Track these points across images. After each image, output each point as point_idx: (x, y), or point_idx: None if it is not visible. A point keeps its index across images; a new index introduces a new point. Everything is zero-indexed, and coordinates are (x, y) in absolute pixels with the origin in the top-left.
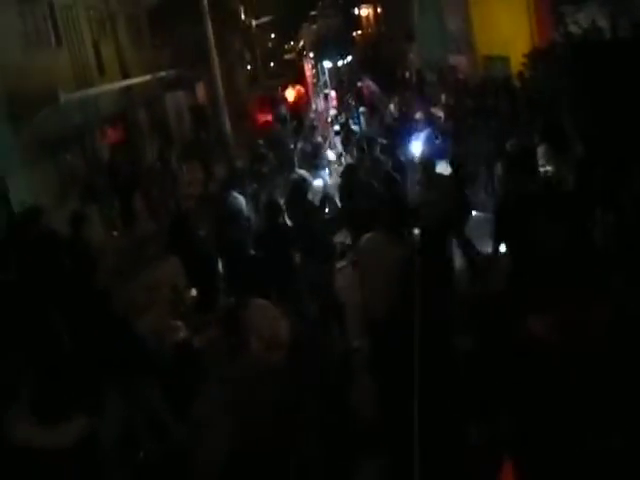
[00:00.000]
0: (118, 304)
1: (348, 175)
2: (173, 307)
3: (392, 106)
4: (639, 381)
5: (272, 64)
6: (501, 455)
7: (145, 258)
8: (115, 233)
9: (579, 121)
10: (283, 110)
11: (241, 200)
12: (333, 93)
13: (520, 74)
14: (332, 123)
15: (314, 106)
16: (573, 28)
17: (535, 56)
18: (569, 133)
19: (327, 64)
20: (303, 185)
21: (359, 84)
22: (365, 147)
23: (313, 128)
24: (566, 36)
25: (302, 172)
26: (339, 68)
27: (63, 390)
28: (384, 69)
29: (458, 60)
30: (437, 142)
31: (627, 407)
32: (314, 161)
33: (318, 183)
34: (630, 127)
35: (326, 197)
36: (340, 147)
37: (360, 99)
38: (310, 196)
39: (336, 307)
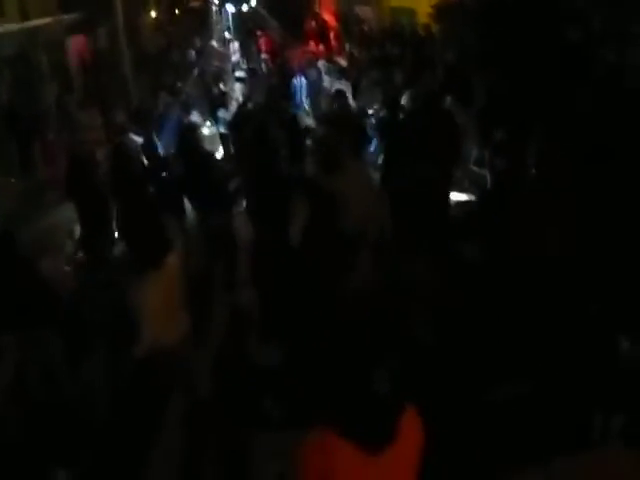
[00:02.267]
0: (20, 247)
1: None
2: (67, 253)
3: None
4: (548, 327)
5: (177, 11)
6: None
7: (42, 204)
8: (12, 180)
9: (485, 76)
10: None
11: (137, 141)
12: (235, 41)
13: (426, 26)
14: (233, 70)
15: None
16: None
17: (442, 8)
18: (475, 88)
19: (230, 8)
20: (192, 129)
21: (260, 32)
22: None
23: (215, 74)
24: None
25: (194, 117)
26: (242, 14)
27: None
28: (289, 17)
29: (363, 10)
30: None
31: (535, 353)
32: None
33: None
34: (535, 84)
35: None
36: (239, 94)
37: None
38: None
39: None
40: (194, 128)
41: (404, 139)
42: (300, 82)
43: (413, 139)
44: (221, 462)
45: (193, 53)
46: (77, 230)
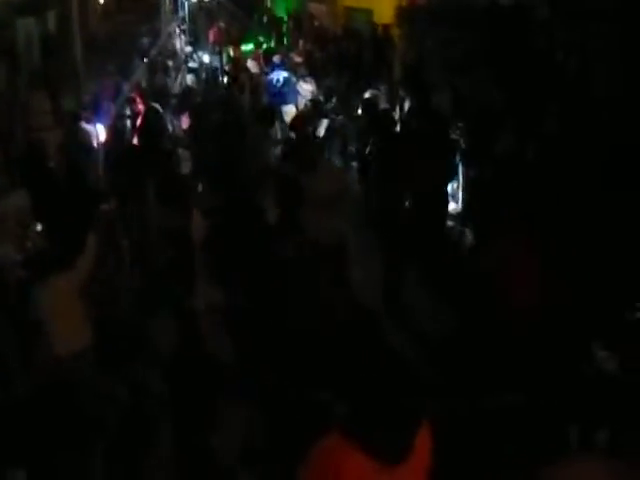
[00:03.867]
0: None
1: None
2: (18, 242)
3: None
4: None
5: None
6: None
7: None
8: None
9: (445, 79)
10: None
11: (91, 130)
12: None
13: (385, 27)
14: (186, 60)
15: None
16: None
17: (405, 11)
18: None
19: None
20: (155, 116)
21: (213, 24)
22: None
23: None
24: None
25: (156, 105)
26: (195, 4)
27: None
28: (242, 11)
29: (317, 8)
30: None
31: (528, 364)
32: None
33: None
34: (500, 93)
35: None
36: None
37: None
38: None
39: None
40: (158, 112)
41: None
42: (279, 77)
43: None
44: None
45: (144, 41)
46: (28, 218)
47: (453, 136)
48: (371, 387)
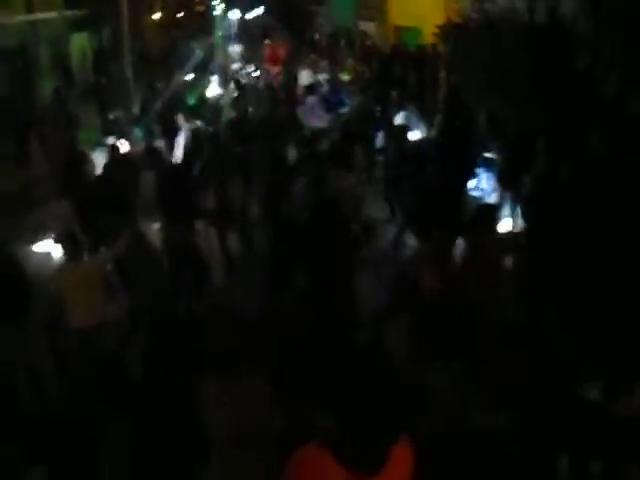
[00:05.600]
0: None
1: None
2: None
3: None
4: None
5: (181, 14)
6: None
7: (37, 200)
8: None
9: (485, 98)
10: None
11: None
12: (238, 47)
13: (433, 46)
14: (233, 77)
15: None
16: (489, 6)
17: (448, 29)
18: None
19: (234, 15)
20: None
21: (269, 42)
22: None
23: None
24: (482, 13)
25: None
26: (247, 21)
27: None
28: (294, 29)
29: (368, 27)
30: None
31: (514, 385)
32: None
33: None
34: (535, 112)
35: None
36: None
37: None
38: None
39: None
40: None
41: None
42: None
43: None
44: None
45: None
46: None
47: (489, 155)
48: (352, 401)
